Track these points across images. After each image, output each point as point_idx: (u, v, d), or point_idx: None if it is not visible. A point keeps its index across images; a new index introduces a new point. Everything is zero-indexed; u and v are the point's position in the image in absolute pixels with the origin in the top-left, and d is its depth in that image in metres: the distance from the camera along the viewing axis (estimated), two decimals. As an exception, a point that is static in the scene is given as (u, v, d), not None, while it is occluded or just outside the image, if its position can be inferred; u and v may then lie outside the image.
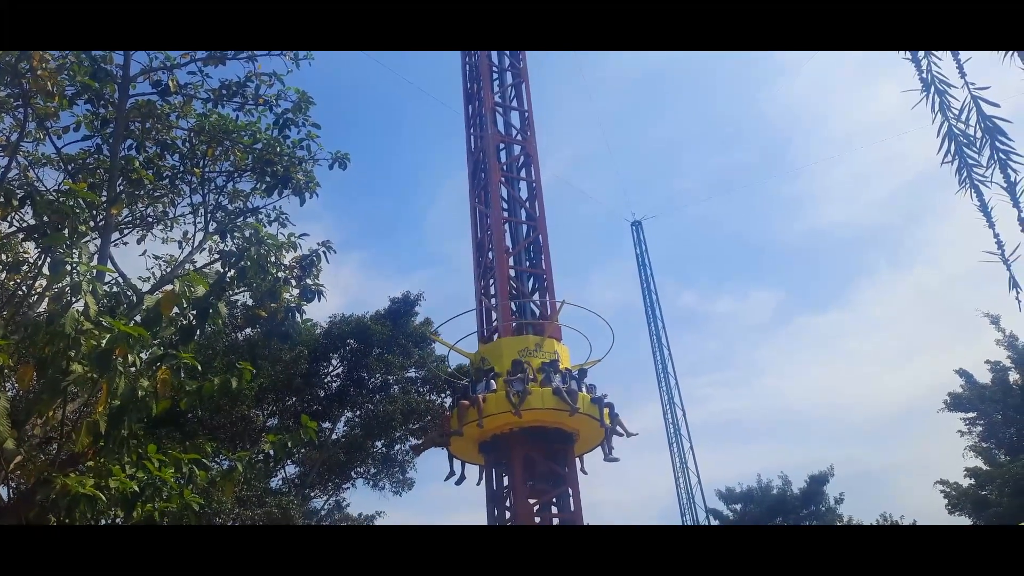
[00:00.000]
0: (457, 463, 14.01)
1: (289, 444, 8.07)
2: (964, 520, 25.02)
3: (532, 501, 13.57)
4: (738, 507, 40.53)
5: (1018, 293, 3.60)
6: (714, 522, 42.85)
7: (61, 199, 6.65)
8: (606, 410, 13.30)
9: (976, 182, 3.57)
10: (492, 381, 13.31)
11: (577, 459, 14.06)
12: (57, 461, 6.67)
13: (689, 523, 46.41)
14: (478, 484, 14.19)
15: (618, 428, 13.52)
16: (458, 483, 14.01)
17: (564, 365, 13.97)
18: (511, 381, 12.88)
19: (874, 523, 36.39)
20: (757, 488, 40.22)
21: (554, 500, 13.84)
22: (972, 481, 24.74)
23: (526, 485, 13.30)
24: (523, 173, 17.61)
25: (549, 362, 13.58)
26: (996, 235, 3.47)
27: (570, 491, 13.54)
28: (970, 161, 3.59)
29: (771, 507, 38.55)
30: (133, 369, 6.04)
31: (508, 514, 13.63)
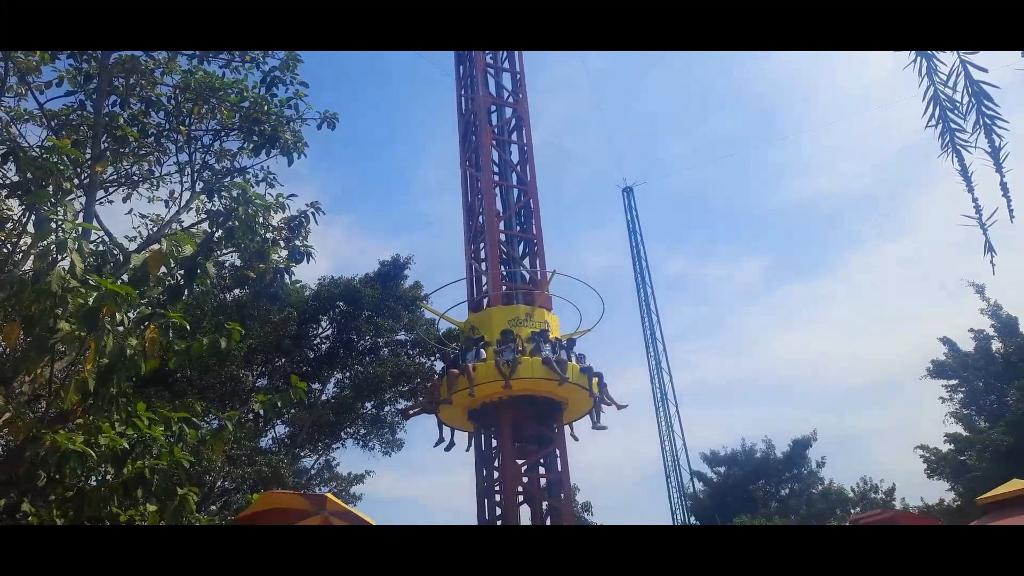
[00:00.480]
0: (446, 430, 14.12)
1: (279, 404, 8.14)
2: (942, 484, 25.61)
3: (520, 462, 13.76)
4: (722, 470, 41.27)
5: (992, 257, 3.64)
6: (698, 484, 43.70)
7: (44, 155, 6.56)
8: (595, 380, 13.42)
9: (959, 146, 3.58)
10: (482, 350, 13.37)
11: (566, 426, 14.22)
12: (46, 418, 6.70)
13: (673, 484, 47.33)
14: (467, 450, 14.34)
15: (606, 398, 13.65)
16: (447, 449, 14.15)
17: (554, 335, 14.03)
18: (501, 350, 12.94)
19: (854, 487, 37.20)
20: (741, 451, 40.93)
21: (541, 461, 14.05)
22: (952, 447, 25.23)
23: (514, 447, 13.48)
24: (514, 136, 17.46)
25: (539, 332, 13.63)
26: (975, 199, 3.50)
27: (557, 452, 13.74)
28: (953, 126, 3.60)
29: (754, 470, 39.29)
30: (121, 328, 6.04)
31: (496, 474, 13.83)
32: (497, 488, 13.78)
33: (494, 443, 14.21)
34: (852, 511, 31.35)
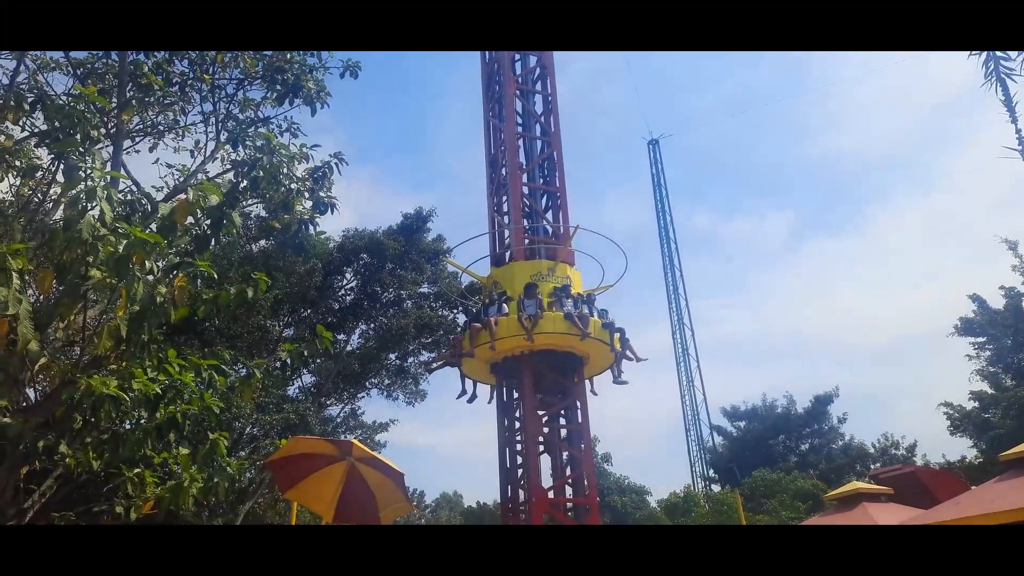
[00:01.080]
0: (469, 382, 14.26)
1: (305, 353, 8.28)
2: (964, 441, 25.53)
3: (541, 413, 13.92)
4: (742, 424, 41.49)
5: None
6: (717, 438, 44.01)
7: (71, 103, 6.58)
8: (616, 335, 13.40)
9: (1004, 75, 3.42)
10: (504, 304, 13.37)
11: (587, 380, 14.27)
12: (80, 363, 6.90)
13: (693, 438, 47.68)
14: (489, 402, 14.49)
15: (628, 353, 13.65)
16: (470, 401, 14.33)
17: (576, 290, 13.97)
18: (523, 305, 12.96)
19: (875, 443, 37.20)
20: (761, 407, 41.03)
21: (562, 412, 14.19)
22: (976, 404, 25.06)
23: (535, 398, 13.60)
24: (538, 86, 17.15)
25: (561, 287, 13.59)
26: (1018, 130, 3.35)
27: (578, 404, 13.86)
28: (998, 53, 3.44)
29: (774, 425, 39.43)
30: (150, 276, 6.15)
31: (517, 424, 14.01)
32: (518, 438, 13.98)
33: (515, 395, 14.36)
34: (872, 467, 31.43)
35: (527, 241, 15.21)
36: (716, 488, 36.04)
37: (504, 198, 16.02)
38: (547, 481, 13.41)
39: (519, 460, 13.77)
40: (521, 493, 13.59)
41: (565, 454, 13.89)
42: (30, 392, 8.09)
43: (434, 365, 14.83)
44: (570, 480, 13.69)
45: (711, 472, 42.46)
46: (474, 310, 14.31)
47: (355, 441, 8.25)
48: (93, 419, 6.16)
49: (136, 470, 8.18)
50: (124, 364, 6.56)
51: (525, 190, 15.83)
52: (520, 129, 16.60)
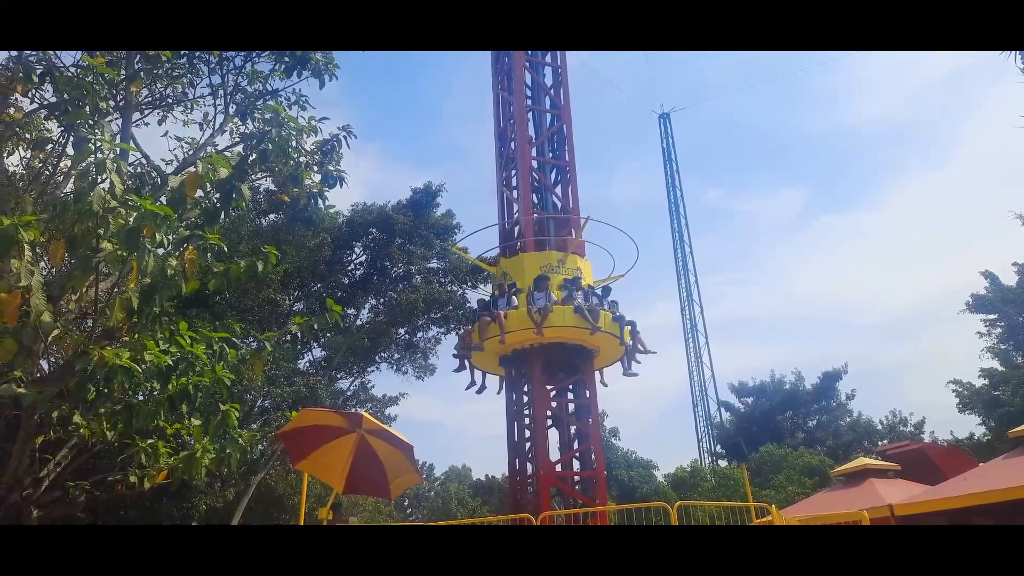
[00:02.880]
0: (478, 373, 14.16)
1: (315, 326, 8.33)
2: (973, 419, 25.49)
3: (549, 387, 13.95)
4: (749, 400, 41.50)
5: None
6: (725, 414, 44.12)
7: (80, 74, 6.56)
8: (627, 328, 13.30)
9: None
10: (514, 297, 13.26)
11: (596, 372, 14.19)
12: (93, 335, 6.96)
13: (700, 413, 47.85)
14: (498, 393, 14.43)
15: (639, 346, 13.53)
16: (478, 392, 14.27)
17: (587, 282, 13.84)
18: (533, 297, 12.84)
19: (883, 419, 37.21)
20: (769, 383, 40.99)
21: (570, 387, 14.23)
22: (986, 381, 24.98)
23: (543, 374, 13.59)
24: (548, 58, 16.96)
25: (572, 279, 13.45)
26: None
27: (585, 380, 13.89)
28: None
29: (782, 401, 39.42)
30: (161, 249, 6.17)
31: (526, 399, 14.07)
32: (527, 412, 14.03)
33: (525, 385, 14.27)
34: (880, 443, 31.48)
35: (535, 216, 15.13)
36: (723, 463, 36.22)
37: (513, 172, 15.94)
38: (555, 455, 13.50)
39: (527, 434, 13.86)
40: (529, 466, 13.70)
41: (573, 428, 13.96)
42: (44, 363, 8.19)
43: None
44: (577, 454, 13.77)
45: (718, 447, 42.64)
46: (484, 301, 14.18)
47: (365, 413, 8.31)
48: (106, 390, 6.22)
49: (149, 440, 8.30)
50: (136, 336, 6.62)
51: (534, 164, 15.73)
52: (529, 102, 16.46)
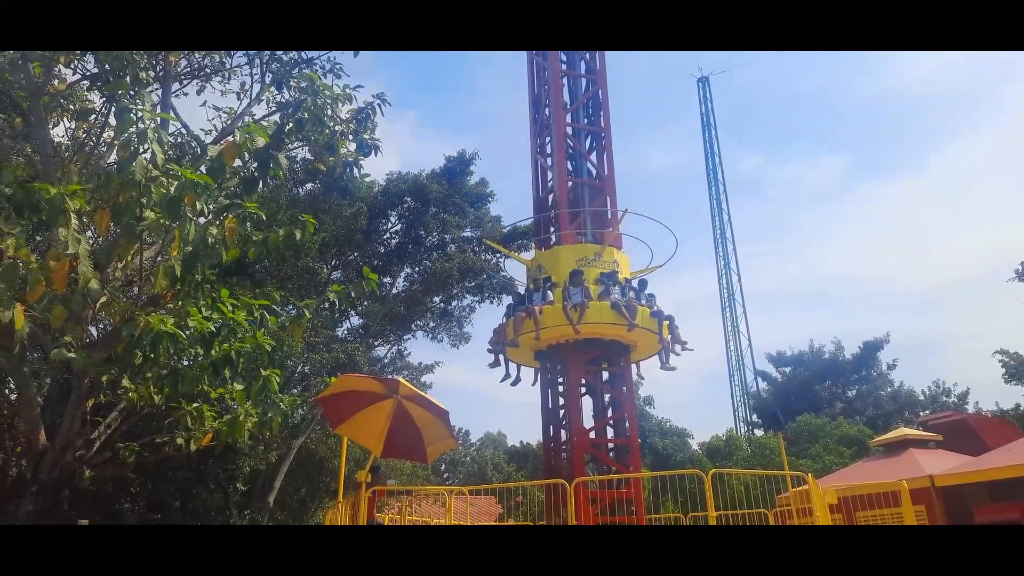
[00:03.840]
0: (513, 366, 14.08)
1: (353, 294, 8.44)
2: (1019, 389, 24.86)
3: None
4: (787, 370, 41.06)
5: None
6: (762, 384, 43.75)
7: (120, 46, 6.65)
8: (665, 323, 13.06)
9: None
10: (549, 292, 13.07)
11: (633, 365, 14.03)
12: (139, 302, 7.16)
13: (736, 383, 47.50)
14: (533, 385, 14.36)
15: (677, 342, 13.24)
16: (514, 384, 14.16)
17: (623, 275, 13.61)
18: (569, 292, 12.67)
19: (925, 390, 36.49)
20: (808, 352, 40.47)
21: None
22: (1034, 351, 24.30)
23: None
24: (584, 22, 16.62)
25: (608, 273, 13.19)
26: None
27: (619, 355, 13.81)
28: None
29: (820, 371, 38.91)
30: (202, 219, 6.29)
31: (560, 365, 14.09)
32: (560, 380, 14.06)
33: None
34: (921, 414, 30.94)
35: (570, 183, 15.00)
36: (759, 433, 36.01)
37: (548, 139, 15.79)
38: (588, 422, 13.54)
39: (561, 401, 13.91)
40: (563, 433, 13.79)
41: (607, 396, 13.98)
42: (92, 330, 8.47)
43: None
44: (611, 421, 13.81)
45: (754, 417, 42.39)
46: (519, 295, 14.04)
47: (402, 380, 8.45)
48: (152, 355, 6.41)
49: (195, 404, 8.56)
50: (180, 303, 6.79)
51: (568, 130, 15.55)
52: (564, 67, 16.21)
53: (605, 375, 14.19)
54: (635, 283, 13.59)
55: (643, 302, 13.03)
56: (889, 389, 37.62)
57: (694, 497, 11.82)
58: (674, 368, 13.28)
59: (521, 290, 14.85)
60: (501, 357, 13.75)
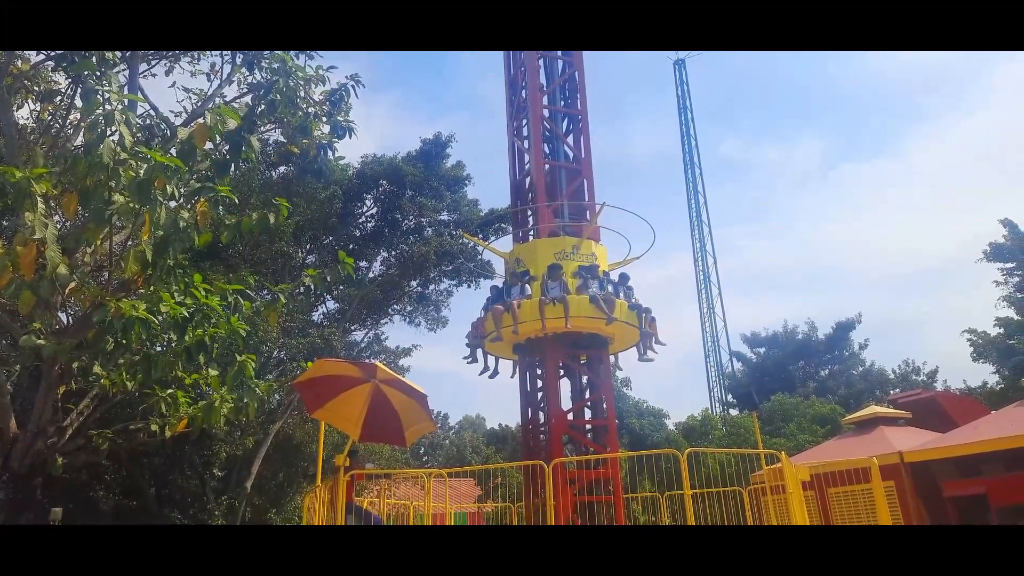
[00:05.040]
0: (491, 358, 14.09)
1: (328, 279, 8.39)
2: (986, 367, 25.47)
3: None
4: (762, 351, 41.63)
5: None
6: (737, 364, 44.32)
7: (85, 25, 6.48)
8: (644, 316, 13.15)
9: None
10: (527, 286, 13.01)
11: (611, 356, 14.11)
12: (109, 287, 7.04)
13: (712, 363, 48.10)
14: (511, 377, 14.38)
15: (654, 337, 13.33)
16: (492, 377, 14.15)
17: (602, 268, 13.60)
18: (547, 287, 12.65)
19: (895, 369, 37.25)
20: (782, 333, 41.05)
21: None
22: (1001, 330, 24.86)
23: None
24: (560, 4, 16.51)
25: (587, 266, 13.15)
26: None
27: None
28: None
29: (794, 351, 39.52)
30: (173, 202, 6.19)
31: (539, 357, 14.14)
32: (539, 368, 14.11)
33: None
34: (892, 392, 31.59)
35: (547, 166, 14.97)
36: (734, 413, 36.55)
37: (524, 121, 15.71)
38: (566, 404, 13.64)
39: (539, 384, 13.98)
40: (541, 415, 13.87)
41: (584, 378, 14.07)
42: (63, 316, 8.32)
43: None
44: (589, 403, 13.92)
45: (729, 397, 42.97)
46: (497, 289, 13.99)
47: (379, 364, 8.42)
48: (124, 341, 6.32)
49: (169, 390, 8.47)
50: (152, 288, 6.69)
51: (545, 112, 15.49)
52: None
53: (583, 358, 14.27)
54: (614, 276, 13.61)
55: (621, 296, 13.10)
56: (861, 368, 38.33)
57: (670, 476, 11.99)
58: (652, 359, 13.42)
59: (498, 281, 14.83)
60: (479, 352, 13.76)
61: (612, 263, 14.22)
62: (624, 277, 13.64)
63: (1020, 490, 12.14)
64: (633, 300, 13.22)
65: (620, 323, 12.63)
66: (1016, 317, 24.58)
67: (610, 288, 13.02)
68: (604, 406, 13.56)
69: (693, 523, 8.23)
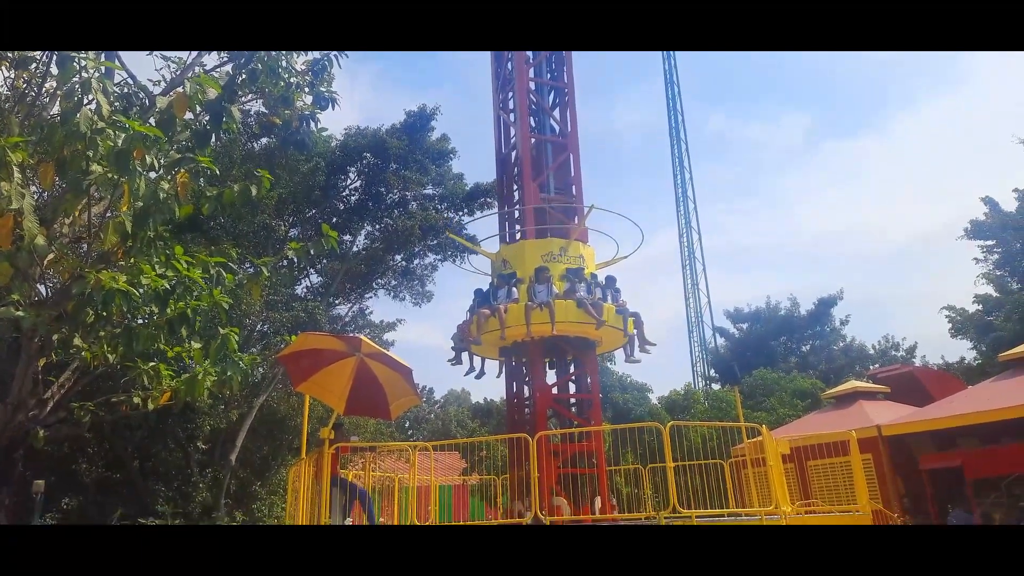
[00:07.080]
0: (477, 359, 14.03)
1: (311, 252, 8.29)
2: (964, 344, 25.87)
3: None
4: (744, 326, 41.98)
5: None
6: (720, 340, 44.70)
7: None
8: (631, 319, 13.11)
9: None
10: (514, 289, 12.87)
11: (598, 356, 14.13)
12: (88, 259, 6.94)
13: (695, 339, 48.51)
14: (498, 377, 14.37)
15: (643, 340, 13.28)
16: (477, 378, 14.18)
17: (589, 270, 13.52)
18: (534, 290, 12.55)
19: (875, 344, 37.80)
20: (765, 309, 41.40)
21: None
22: (979, 307, 25.21)
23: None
24: (547, -26, 16.27)
25: (574, 269, 13.04)
26: None
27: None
28: None
29: (777, 327, 39.89)
30: (152, 173, 6.08)
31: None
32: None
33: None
34: (871, 367, 32.05)
35: (533, 140, 14.87)
36: (716, 387, 36.95)
37: (510, 94, 15.57)
38: (551, 379, 13.70)
39: (524, 358, 14.03)
40: (526, 389, 13.94)
41: (569, 356, 14.14)
42: (41, 288, 8.21)
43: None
44: (573, 377, 14.00)
45: (712, 372, 43.40)
46: (483, 291, 13.86)
47: (363, 337, 8.41)
48: (105, 313, 6.24)
49: (151, 363, 8.40)
50: (132, 260, 6.60)
51: (531, 85, 15.35)
52: (527, 21, 15.89)
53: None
54: (602, 279, 13.53)
55: (608, 299, 13.02)
56: (841, 344, 38.82)
57: (653, 449, 12.12)
58: (639, 360, 13.45)
59: (483, 277, 14.76)
60: (464, 355, 13.71)
61: (600, 263, 14.15)
62: (611, 280, 13.56)
63: (994, 462, 12.41)
64: (620, 303, 13.19)
65: (608, 327, 12.65)
66: (995, 294, 24.92)
67: (598, 292, 12.95)
68: (588, 380, 13.65)
69: (675, 494, 8.34)
